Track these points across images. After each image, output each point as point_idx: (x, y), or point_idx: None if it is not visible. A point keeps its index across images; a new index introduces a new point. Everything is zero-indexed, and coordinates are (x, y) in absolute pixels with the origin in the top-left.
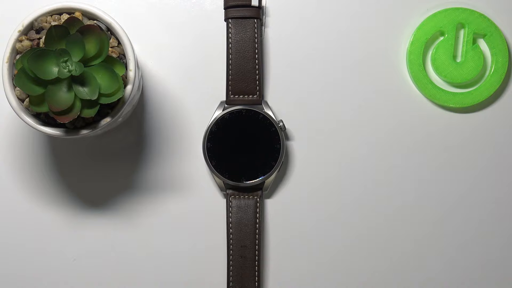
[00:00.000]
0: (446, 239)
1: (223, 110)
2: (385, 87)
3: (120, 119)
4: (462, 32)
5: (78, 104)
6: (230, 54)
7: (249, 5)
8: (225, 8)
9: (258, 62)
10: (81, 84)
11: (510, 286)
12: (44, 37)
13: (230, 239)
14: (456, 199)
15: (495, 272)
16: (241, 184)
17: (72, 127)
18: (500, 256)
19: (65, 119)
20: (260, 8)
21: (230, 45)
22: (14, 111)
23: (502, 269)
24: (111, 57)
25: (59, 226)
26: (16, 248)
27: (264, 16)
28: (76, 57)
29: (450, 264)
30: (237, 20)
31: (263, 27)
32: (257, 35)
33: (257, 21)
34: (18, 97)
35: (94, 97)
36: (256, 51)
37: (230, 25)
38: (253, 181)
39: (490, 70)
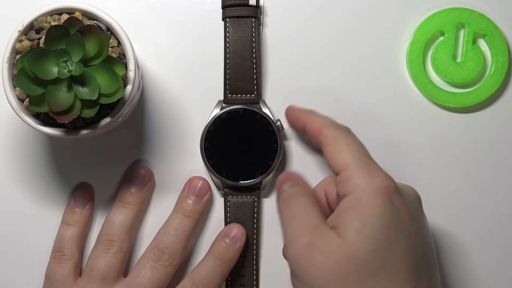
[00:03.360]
0: (446, 239)
1: (220, 109)
2: (385, 87)
3: (120, 119)
4: (462, 32)
5: (78, 104)
6: (227, 53)
7: (247, 4)
8: (222, 7)
9: (255, 61)
10: (81, 84)
11: (510, 286)
12: (44, 37)
13: None
14: (456, 199)
15: (495, 272)
16: (238, 184)
17: (72, 127)
18: (500, 256)
19: (65, 119)
20: (257, 7)
21: (227, 44)
22: (14, 111)
23: (502, 269)
24: (111, 57)
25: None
26: (16, 248)
27: (261, 16)
28: (76, 57)
29: (450, 264)
30: (234, 19)
31: (261, 27)
32: (254, 34)
33: (254, 20)
34: (18, 97)
35: (94, 97)
36: (254, 50)
37: (227, 24)
38: (251, 180)
39: (490, 70)
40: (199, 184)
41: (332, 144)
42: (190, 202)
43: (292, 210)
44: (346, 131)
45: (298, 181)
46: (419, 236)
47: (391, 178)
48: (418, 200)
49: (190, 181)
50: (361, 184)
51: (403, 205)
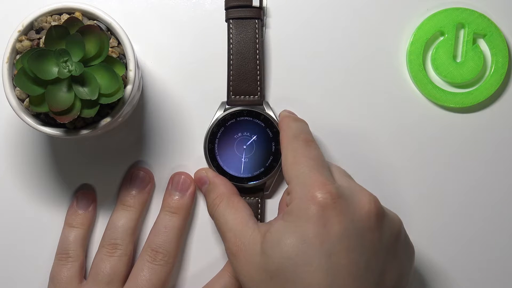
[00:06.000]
0: (446, 239)
1: (224, 111)
2: (385, 87)
3: (120, 119)
4: (462, 32)
5: (78, 104)
6: (231, 54)
7: (250, 6)
8: (226, 9)
9: (259, 62)
10: (81, 84)
11: (510, 286)
12: (44, 37)
13: None
14: (456, 199)
15: (495, 272)
16: (242, 185)
17: (72, 127)
18: (500, 256)
19: (65, 119)
20: (261, 8)
21: (231, 46)
22: (14, 111)
23: (502, 269)
24: (111, 57)
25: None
26: (15, 248)
27: (265, 17)
28: (76, 57)
29: (450, 264)
30: (238, 21)
31: (264, 28)
32: (258, 36)
33: (258, 21)
34: (18, 97)
35: (94, 97)
36: (257, 51)
37: (231, 26)
38: (255, 182)
39: (490, 70)
40: (181, 179)
41: (283, 157)
42: (175, 198)
43: (218, 218)
44: (301, 142)
45: (215, 180)
46: (347, 255)
47: (334, 192)
48: (392, 227)
49: (172, 178)
50: (297, 197)
51: (338, 222)
